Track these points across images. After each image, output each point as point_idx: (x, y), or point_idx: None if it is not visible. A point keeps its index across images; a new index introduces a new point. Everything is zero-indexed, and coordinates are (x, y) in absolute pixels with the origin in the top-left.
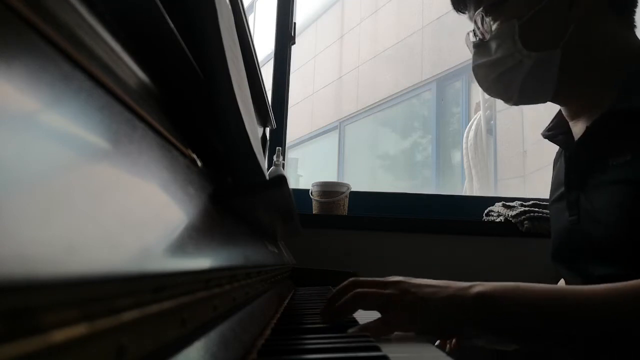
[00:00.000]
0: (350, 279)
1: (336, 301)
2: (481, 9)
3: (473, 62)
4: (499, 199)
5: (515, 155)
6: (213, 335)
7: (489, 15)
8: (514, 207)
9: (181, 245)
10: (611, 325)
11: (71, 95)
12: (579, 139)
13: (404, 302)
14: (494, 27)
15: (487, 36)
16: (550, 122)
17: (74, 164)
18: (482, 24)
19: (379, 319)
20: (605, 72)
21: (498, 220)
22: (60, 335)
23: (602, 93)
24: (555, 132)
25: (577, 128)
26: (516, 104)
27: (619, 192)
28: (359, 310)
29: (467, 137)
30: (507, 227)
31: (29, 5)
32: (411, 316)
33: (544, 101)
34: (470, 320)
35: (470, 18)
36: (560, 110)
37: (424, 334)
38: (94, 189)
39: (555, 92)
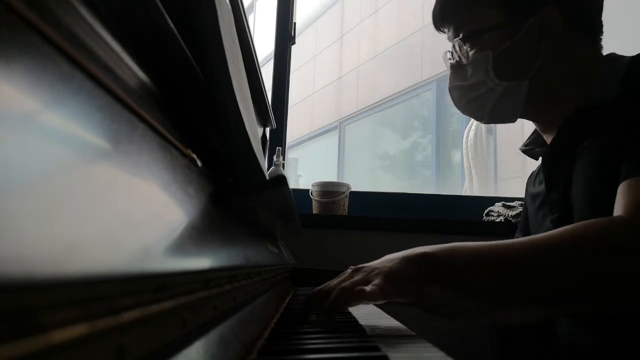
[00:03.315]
0: (315, 290)
1: (321, 306)
2: (460, 37)
3: (450, 82)
4: (499, 199)
5: (515, 155)
6: (213, 335)
7: (467, 44)
8: (514, 207)
9: (181, 245)
10: (549, 263)
11: (71, 95)
12: (553, 139)
13: (379, 273)
14: (470, 54)
15: (464, 60)
16: (528, 138)
17: (74, 164)
18: (460, 49)
19: (366, 286)
20: (571, 91)
21: (498, 220)
22: (60, 335)
23: (569, 107)
24: (533, 146)
25: (549, 139)
26: (487, 123)
27: (593, 180)
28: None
29: (467, 137)
30: (507, 227)
31: (29, 5)
32: (390, 281)
33: (513, 121)
34: (420, 275)
35: (449, 38)
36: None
37: (391, 299)
38: (94, 189)
39: (523, 114)
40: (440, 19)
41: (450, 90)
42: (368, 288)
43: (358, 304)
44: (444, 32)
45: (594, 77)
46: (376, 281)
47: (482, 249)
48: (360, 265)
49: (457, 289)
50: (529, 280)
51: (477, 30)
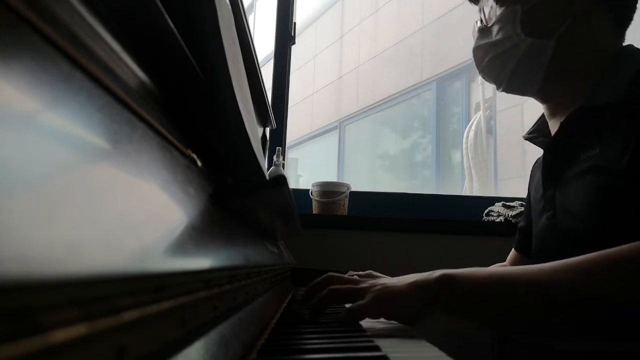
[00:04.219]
0: (326, 275)
1: (311, 297)
2: None
3: (475, 44)
4: (499, 199)
5: (515, 155)
6: (213, 335)
7: (496, 1)
8: (514, 207)
9: (181, 245)
10: (557, 295)
11: (71, 95)
12: (554, 135)
13: (374, 291)
14: (498, 12)
15: (492, 21)
16: (533, 126)
17: (74, 164)
18: (490, 11)
19: (351, 305)
20: (586, 72)
21: (498, 220)
22: (60, 335)
23: (580, 92)
24: (536, 134)
25: (554, 127)
26: (505, 89)
27: (589, 182)
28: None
29: (467, 137)
30: (507, 227)
31: (29, 5)
32: (375, 304)
33: (530, 91)
34: (433, 300)
35: (480, 10)
36: (542, 115)
37: (391, 319)
38: (94, 189)
39: (541, 84)
40: None
41: (474, 50)
42: (350, 306)
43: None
44: (476, 3)
45: (608, 68)
46: (364, 300)
47: (491, 279)
48: (372, 274)
49: (469, 317)
50: (547, 311)
51: None
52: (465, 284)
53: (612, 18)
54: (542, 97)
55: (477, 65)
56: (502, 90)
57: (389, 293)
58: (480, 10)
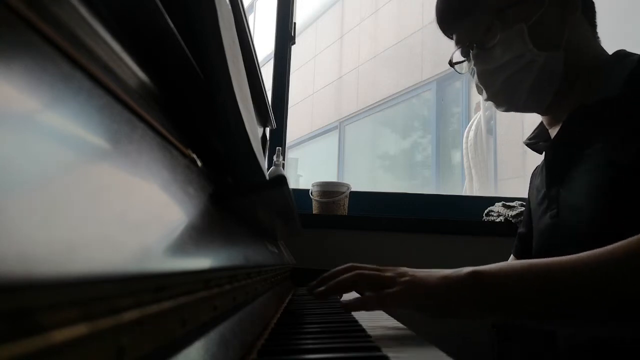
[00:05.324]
0: (349, 264)
1: (331, 280)
2: (486, 17)
3: (477, 70)
4: (499, 199)
5: (515, 155)
6: (213, 335)
7: (497, 23)
8: (514, 207)
9: (181, 245)
10: (595, 289)
11: (71, 95)
12: (556, 135)
13: (401, 282)
14: (501, 32)
15: (491, 44)
16: (533, 132)
17: (74, 164)
18: (486, 33)
19: (374, 294)
20: (585, 76)
21: (498, 220)
22: (60, 335)
23: (580, 96)
24: (537, 140)
25: (554, 132)
26: (518, 108)
27: (596, 176)
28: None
29: (467, 137)
30: (507, 227)
31: (29, 5)
32: (407, 293)
33: (544, 104)
34: (465, 297)
35: (458, 41)
36: (542, 122)
37: (418, 311)
38: (94, 189)
39: (553, 97)
40: (459, 10)
41: (480, 76)
42: (380, 293)
43: (362, 310)
44: (451, 37)
45: (603, 71)
46: (394, 289)
47: (528, 272)
48: (399, 267)
49: (498, 312)
50: (573, 304)
51: (508, 4)
52: (498, 280)
53: (587, 19)
54: (545, 109)
55: (487, 90)
56: (513, 110)
57: (420, 284)
58: (459, 43)
